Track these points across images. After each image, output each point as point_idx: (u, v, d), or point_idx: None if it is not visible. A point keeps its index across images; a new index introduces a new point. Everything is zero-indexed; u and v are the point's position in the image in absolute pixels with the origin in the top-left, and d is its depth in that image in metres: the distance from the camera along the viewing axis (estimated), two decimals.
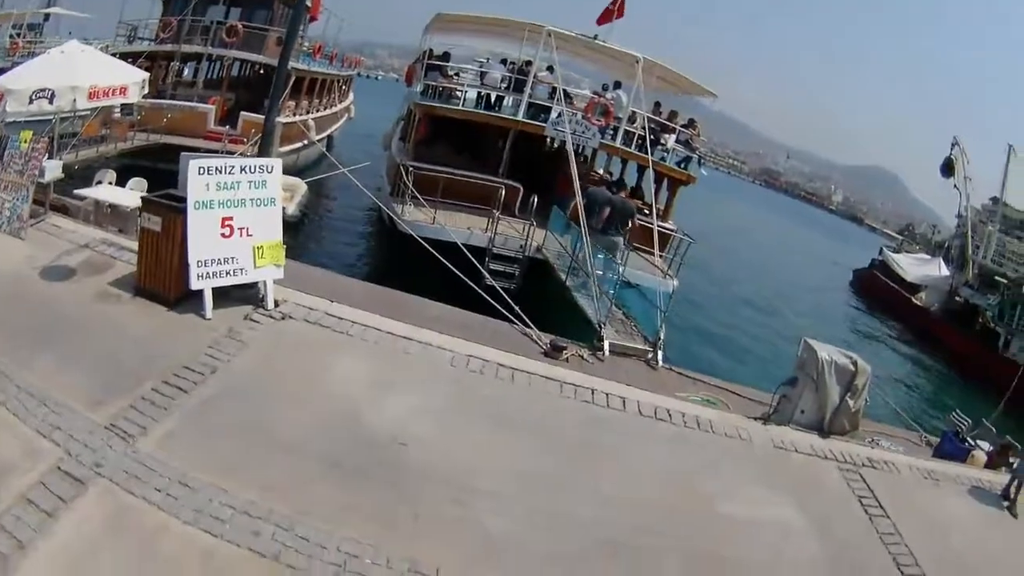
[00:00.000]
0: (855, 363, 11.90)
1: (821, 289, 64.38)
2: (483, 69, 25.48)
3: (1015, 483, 13.04)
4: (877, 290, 71.54)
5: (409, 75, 27.91)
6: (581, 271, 17.54)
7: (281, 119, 26.43)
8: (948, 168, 71.12)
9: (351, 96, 46.47)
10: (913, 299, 66.75)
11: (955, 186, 72.03)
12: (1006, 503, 12.82)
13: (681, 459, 9.37)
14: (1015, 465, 14.47)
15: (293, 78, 28.90)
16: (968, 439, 17.11)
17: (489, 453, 7.90)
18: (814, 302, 53.28)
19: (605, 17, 24.82)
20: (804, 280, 64.89)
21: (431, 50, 24.99)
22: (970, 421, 17.88)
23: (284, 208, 19.79)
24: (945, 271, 72.23)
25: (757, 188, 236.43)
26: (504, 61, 26.18)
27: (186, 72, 31.77)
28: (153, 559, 5.66)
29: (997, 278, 63.97)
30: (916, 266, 76.09)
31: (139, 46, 29.56)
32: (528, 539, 6.77)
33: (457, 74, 25.15)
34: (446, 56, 25.14)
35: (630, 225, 19.41)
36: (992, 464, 16.29)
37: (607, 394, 10.21)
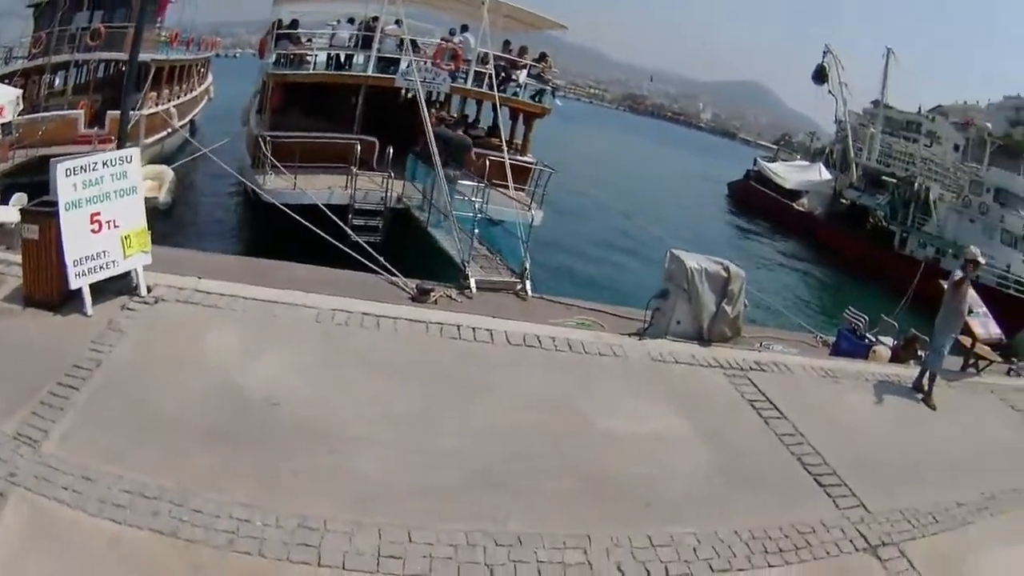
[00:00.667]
0: (727, 269, 12.14)
1: (695, 206, 65.67)
2: (332, 31, 25.54)
3: (927, 375, 13.33)
4: (754, 200, 73.03)
5: (262, 48, 27.51)
6: (441, 214, 18.00)
7: (144, 111, 27.37)
8: (820, 75, 72.92)
9: (210, 78, 46.61)
10: (794, 205, 67.87)
11: (829, 92, 73.74)
12: (920, 396, 13.12)
13: (555, 383, 9.38)
14: (924, 357, 14.38)
15: (153, 69, 29.91)
16: (868, 336, 17.01)
17: (360, 401, 7.90)
18: (689, 219, 54.24)
19: None
20: (677, 199, 66.02)
21: (280, 20, 24.72)
22: (866, 318, 17.99)
23: (156, 197, 19.84)
24: (827, 176, 74.06)
25: (621, 114, 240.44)
26: (352, 20, 26.17)
27: (57, 82, 31.22)
28: (71, 556, 5.66)
29: (885, 178, 65.63)
30: (795, 173, 77.66)
31: (15, 65, 29.23)
32: (407, 479, 6.84)
33: (309, 39, 24.98)
34: (295, 24, 24.76)
35: (467, 158, 20.64)
36: (897, 358, 16.20)
37: (474, 328, 10.22)
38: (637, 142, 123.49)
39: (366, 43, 24.11)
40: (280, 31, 24.26)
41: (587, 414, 8.69)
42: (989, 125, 70.82)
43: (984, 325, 17.73)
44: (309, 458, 6.74)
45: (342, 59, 25.00)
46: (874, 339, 16.93)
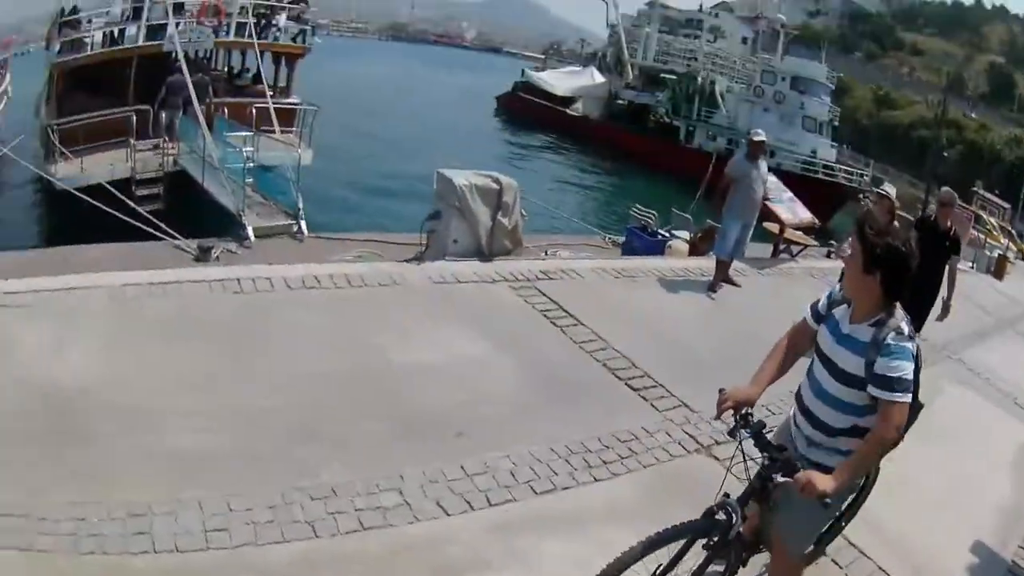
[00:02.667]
0: (497, 180, 12.33)
1: (464, 124, 66.03)
2: (107, 10, 26.16)
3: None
4: (524, 111, 74.20)
5: (49, 39, 27.35)
6: (212, 168, 18.52)
7: None
8: None
9: (8, 78, 44.53)
10: (568, 111, 68.85)
11: None
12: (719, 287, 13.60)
13: (343, 322, 9.33)
14: None
15: None
16: (660, 232, 17.39)
17: (160, 373, 7.58)
18: (459, 138, 54.22)
19: None
20: (446, 119, 65.77)
21: (63, 8, 25.64)
22: (656, 214, 18.37)
23: None
24: (600, 79, 75.48)
25: (384, 44, 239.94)
26: None
27: None
28: None
29: (663, 76, 67.27)
30: (566, 79, 79.19)
31: None
32: (217, 445, 6.60)
33: (89, 21, 25.54)
34: (75, 10, 25.29)
35: (210, 98, 22.25)
36: (696, 250, 16.64)
37: (253, 279, 9.97)
38: (400, 69, 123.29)
39: (137, 15, 24.90)
40: (63, 19, 24.75)
41: (382, 349, 8.67)
42: (783, 17, 73.61)
43: (791, 210, 18.47)
44: (125, 441, 6.47)
45: (116, 35, 25.36)
46: (668, 234, 17.40)
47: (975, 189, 61.17)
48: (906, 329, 4.51)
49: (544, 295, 10.99)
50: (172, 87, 22.67)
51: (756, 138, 13.73)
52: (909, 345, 4.48)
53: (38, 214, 26.24)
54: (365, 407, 7.53)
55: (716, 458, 7.93)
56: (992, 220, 49.64)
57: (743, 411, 4.80)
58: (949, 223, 11.53)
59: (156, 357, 7.79)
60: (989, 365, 14.46)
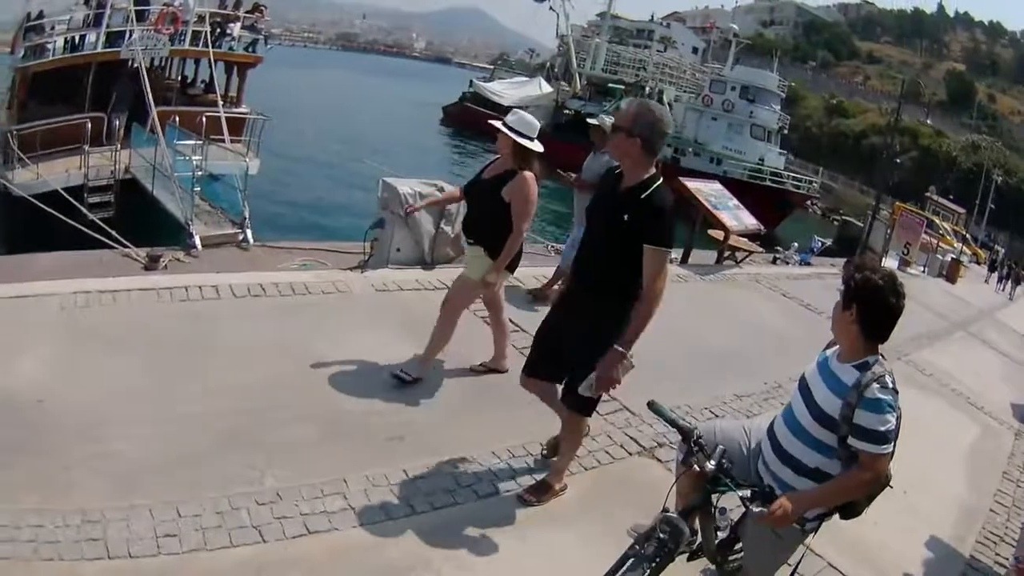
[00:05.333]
0: (442, 189, 12.29)
1: (412, 133, 66.82)
2: (70, 15, 26.15)
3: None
4: (471, 121, 74.23)
5: (14, 44, 27.56)
6: (163, 176, 18.60)
7: None
8: None
9: None
10: None
11: (551, 8, 75.41)
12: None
13: (286, 329, 9.57)
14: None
15: None
16: None
17: (108, 381, 7.73)
18: (406, 147, 55.85)
19: None
20: (393, 129, 67.33)
21: (29, 13, 25.20)
22: None
23: None
24: (548, 89, 75.72)
25: (335, 54, 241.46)
26: (87, 1, 26.45)
27: None
28: None
29: (612, 85, 67.67)
30: (513, 89, 79.56)
31: None
32: (163, 452, 6.77)
33: (53, 27, 25.36)
34: (41, 15, 25.15)
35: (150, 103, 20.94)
36: None
37: (200, 287, 10.23)
38: (350, 78, 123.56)
39: (98, 21, 24.57)
40: (28, 24, 24.80)
41: (323, 356, 8.87)
42: (735, 27, 74.54)
43: (736, 217, 18.84)
44: (75, 449, 6.61)
45: (76, 41, 25.37)
46: None
47: (928, 194, 62.23)
48: (890, 381, 4.59)
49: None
50: (119, 91, 23.41)
51: (591, 121, 12.02)
52: (891, 398, 4.55)
53: None
54: (306, 412, 7.70)
55: (659, 460, 8.22)
56: (945, 225, 50.53)
57: (695, 436, 4.90)
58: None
59: (104, 366, 7.96)
60: (941, 366, 15.04)
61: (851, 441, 4.57)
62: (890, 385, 4.56)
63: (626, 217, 5.81)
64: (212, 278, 10.64)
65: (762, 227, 20.27)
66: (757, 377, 11.67)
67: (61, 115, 22.23)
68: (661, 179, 5.85)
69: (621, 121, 5.91)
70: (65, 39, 25.52)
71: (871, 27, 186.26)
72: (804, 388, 4.95)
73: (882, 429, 4.49)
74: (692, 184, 18.55)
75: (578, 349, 6.27)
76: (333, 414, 7.84)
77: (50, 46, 24.96)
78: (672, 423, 5.16)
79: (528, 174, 8.06)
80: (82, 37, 25.48)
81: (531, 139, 7.96)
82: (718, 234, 18.46)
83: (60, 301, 9.24)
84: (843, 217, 63.04)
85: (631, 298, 5.96)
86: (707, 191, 18.97)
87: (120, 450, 6.70)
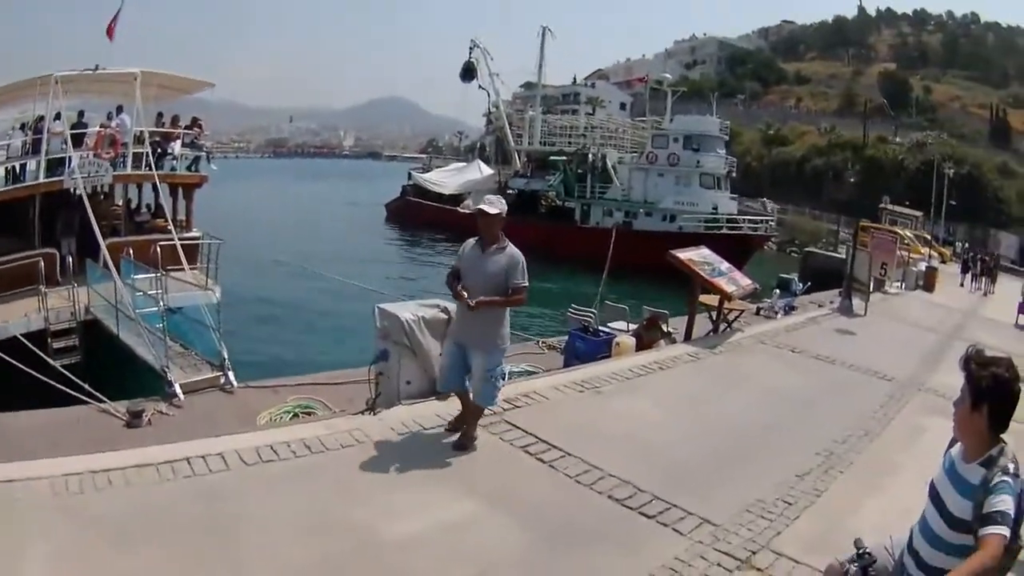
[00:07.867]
0: (445, 309, 11.64)
1: (358, 237, 67.94)
2: (8, 142, 25.71)
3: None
4: (417, 216, 74.49)
5: None
6: (127, 317, 17.97)
7: None
8: (469, 72, 76.04)
9: None
10: (459, 209, 69.11)
11: (480, 87, 76.30)
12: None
13: (311, 497, 8.59)
14: (671, 335, 14.66)
15: None
16: (602, 329, 16.96)
17: None
18: (358, 251, 56.15)
19: (110, 33, 26.45)
20: (339, 235, 67.65)
21: None
22: (595, 312, 18.12)
23: None
24: (488, 171, 76.07)
25: (266, 161, 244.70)
26: (23, 126, 26.17)
27: None
28: None
29: (553, 158, 68.09)
30: (452, 177, 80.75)
31: None
32: None
33: None
34: None
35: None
36: (643, 343, 16.03)
37: (203, 457, 9.26)
38: (283, 187, 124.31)
39: (36, 147, 24.27)
40: None
41: (363, 525, 7.97)
42: (669, 76, 75.45)
43: (733, 281, 18.46)
44: None
45: (18, 170, 24.77)
46: (609, 331, 16.95)
47: (883, 206, 62.82)
48: (1012, 468, 4.43)
49: (517, 427, 10.52)
50: (64, 220, 23.23)
51: (482, 208, 9.87)
52: (1012, 481, 4.38)
53: None
54: None
55: (759, 569, 7.59)
56: (908, 233, 50.92)
57: (862, 549, 4.95)
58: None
59: (121, 566, 7.15)
60: (955, 385, 14.58)
61: (977, 529, 4.37)
62: (1012, 471, 4.42)
63: None
64: (213, 444, 9.67)
65: (757, 285, 19.92)
66: (806, 449, 11.03)
67: (9, 250, 21.86)
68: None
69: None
70: (6, 169, 25.07)
71: (794, 46, 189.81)
72: (935, 496, 4.81)
73: (999, 509, 4.30)
74: (684, 255, 18.06)
75: None
76: None
77: None
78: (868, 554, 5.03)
79: None
80: (22, 166, 25.01)
81: None
82: (711, 300, 18.24)
83: (51, 485, 8.41)
84: (805, 249, 62.92)
85: None
86: (700, 260, 18.52)
87: None
